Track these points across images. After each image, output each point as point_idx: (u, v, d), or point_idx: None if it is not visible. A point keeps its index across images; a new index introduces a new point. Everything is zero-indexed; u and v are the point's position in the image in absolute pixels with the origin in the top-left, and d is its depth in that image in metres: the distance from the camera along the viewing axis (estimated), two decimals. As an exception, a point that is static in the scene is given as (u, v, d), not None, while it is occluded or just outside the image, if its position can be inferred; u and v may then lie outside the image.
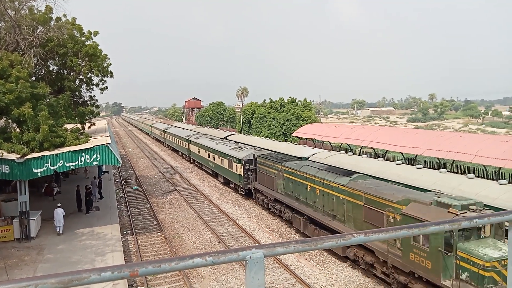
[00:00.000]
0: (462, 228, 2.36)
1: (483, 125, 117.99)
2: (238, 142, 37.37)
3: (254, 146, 33.33)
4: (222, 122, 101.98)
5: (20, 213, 19.02)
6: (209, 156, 37.39)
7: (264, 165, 25.74)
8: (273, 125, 65.49)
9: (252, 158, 28.13)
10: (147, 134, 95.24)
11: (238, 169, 29.33)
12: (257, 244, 1.93)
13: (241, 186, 28.96)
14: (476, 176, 19.78)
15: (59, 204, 20.88)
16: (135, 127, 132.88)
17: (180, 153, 54.63)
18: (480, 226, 11.76)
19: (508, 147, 21.07)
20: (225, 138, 44.46)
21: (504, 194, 15.08)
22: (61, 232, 20.15)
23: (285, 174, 22.73)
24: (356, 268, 16.90)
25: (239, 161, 29.01)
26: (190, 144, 46.08)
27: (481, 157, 21.61)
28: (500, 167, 22.51)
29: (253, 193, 27.84)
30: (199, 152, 41.58)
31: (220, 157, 33.57)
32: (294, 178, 21.77)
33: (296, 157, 27.16)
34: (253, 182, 27.73)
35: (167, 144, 64.48)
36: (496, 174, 23.82)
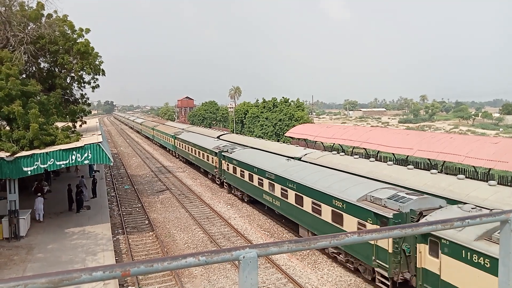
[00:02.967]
0: (454, 227, 2.39)
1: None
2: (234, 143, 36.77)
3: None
4: (214, 121, 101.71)
5: (9, 212, 18.83)
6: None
7: None
8: (265, 125, 65.47)
9: None
10: (160, 146, 64.52)
11: None
12: (250, 244, 1.90)
13: None
14: (466, 177, 19.97)
15: (39, 194, 22.44)
16: (136, 131, 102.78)
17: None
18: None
19: (497, 149, 21.32)
20: (218, 137, 44.18)
21: (493, 195, 15.24)
22: (41, 219, 21.58)
23: None
24: (347, 268, 16.96)
25: None
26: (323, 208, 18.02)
27: (471, 158, 21.86)
28: (490, 168, 22.76)
29: None
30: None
31: None
32: None
33: (287, 156, 26.64)
34: None
35: (219, 177, 32.92)
36: (486, 175, 24.09)
